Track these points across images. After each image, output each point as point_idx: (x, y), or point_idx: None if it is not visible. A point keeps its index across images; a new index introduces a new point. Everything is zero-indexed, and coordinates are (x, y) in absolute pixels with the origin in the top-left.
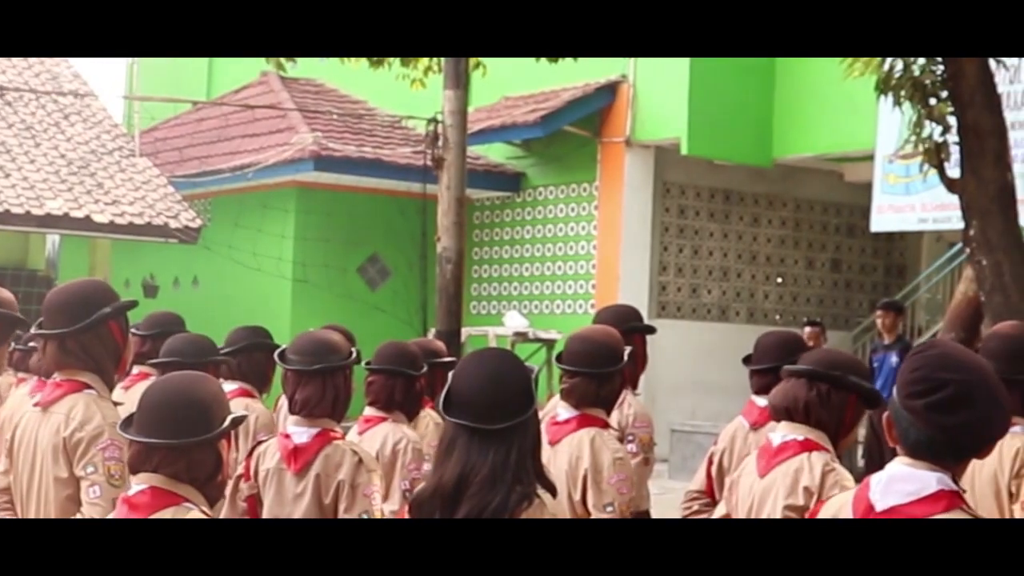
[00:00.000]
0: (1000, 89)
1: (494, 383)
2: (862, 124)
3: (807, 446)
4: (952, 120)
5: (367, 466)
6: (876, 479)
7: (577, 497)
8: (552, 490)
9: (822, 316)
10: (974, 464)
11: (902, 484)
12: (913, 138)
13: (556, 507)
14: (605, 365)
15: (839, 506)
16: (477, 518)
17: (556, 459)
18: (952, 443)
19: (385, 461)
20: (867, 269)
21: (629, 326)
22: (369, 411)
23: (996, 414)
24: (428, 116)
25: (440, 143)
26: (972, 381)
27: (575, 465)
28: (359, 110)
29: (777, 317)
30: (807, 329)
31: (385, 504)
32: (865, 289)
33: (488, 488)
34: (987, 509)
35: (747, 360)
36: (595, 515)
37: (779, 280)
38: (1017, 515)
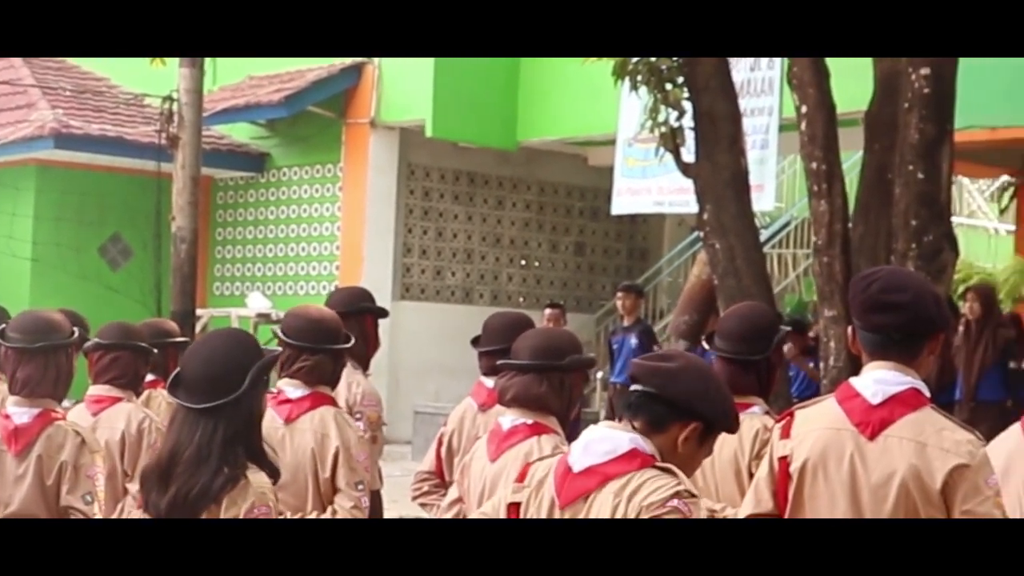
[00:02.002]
0: (741, 76)
1: (206, 363)
2: (605, 108)
3: (537, 430)
4: (688, 105)
5: (90, 447)
6: (576, 442)
7: (326, 475)
8: (273, 471)
9: (566, 299)
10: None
11: (598, 444)
12: (649, 123)
13: (262, 485)
14: (330, 341)
15: (547, 469)
16: (185, 499)
17: (294, 437)
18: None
19: (131, 441)
20: (610, 252)
21: (359, 307)
22: (98, 390)
23: (691, 378)
24: (166, 94)
25: (175, 122)
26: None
27: (323, 443)
28: (101, 87)
29: (521, 300)
30: (548, 311)
31: (131, 484)
32: (608, 272)
33: (194, 468)
34: (728, 491)
35: (475, 342)
36: (346, 493)
37: (523, 263)
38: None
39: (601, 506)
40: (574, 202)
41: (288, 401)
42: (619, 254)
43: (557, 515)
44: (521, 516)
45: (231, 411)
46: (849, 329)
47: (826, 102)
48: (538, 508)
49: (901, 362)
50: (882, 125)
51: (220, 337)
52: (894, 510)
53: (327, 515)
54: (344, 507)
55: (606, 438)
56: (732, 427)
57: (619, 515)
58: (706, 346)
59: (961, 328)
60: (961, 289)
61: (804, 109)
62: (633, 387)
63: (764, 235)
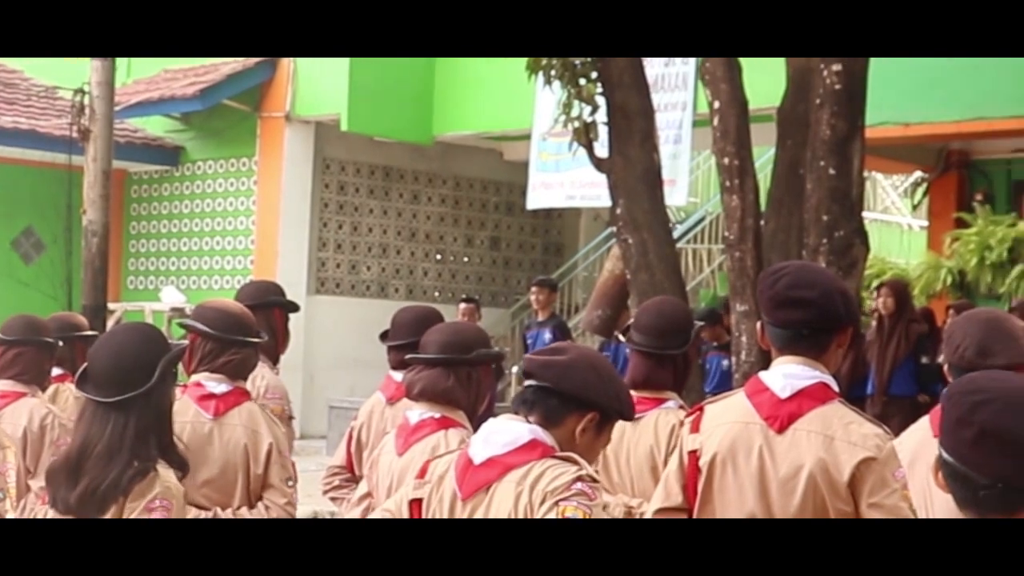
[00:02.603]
0: (655, 72)
1: (115, 356)
2: (520, 103)
3: (444, 423)
4: (601, 100)
5: (0, 443)
6: (477, 434)
7: (259, 471)
8: (182, 465)
9: (481, 293)
10: (631, 439)
11: (498, 436)
12: (563, 117)
13: (168, 480)
14: (252, 335)
15: (447, 463)
16: (94, 493)
17: (223, 432)
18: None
19: (34, 437)
20: (526, 247)
21: (268, 300)
22: (1, 386)
23: (583, 370)
24: (78, 87)
25: (87, 114)
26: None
27: (255, 439)
28: (14, 79)
29: (436, 294)
30: (463, 306)
31: (34, 480)
32: (523, 267)
33: (106, 462)
34: (644, 486)
35: (384, 336)
36: (278, 489)
37: (438, 257)
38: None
39: (503, 496)
40: (489, 196)
41: (212, 396)
42: (534, 249)
43: (459, 508)
44: (423, 512)
45: (141, 404)
46: (758, 325)
47: (738, 98)
48: (440, 503)
49: (809, 357)
50: (794, 121)
51: (127, 331)
52: (802, 503)
53: (258, 510)
54: (277, 503)
55: (506, 430)
56: (627, 414)
57: (522, 503)
58: (621, 339)
59: (874, 323)
60: (875, 284)
61: (716, 105)
62: (527, 382)
63: (679, 230)
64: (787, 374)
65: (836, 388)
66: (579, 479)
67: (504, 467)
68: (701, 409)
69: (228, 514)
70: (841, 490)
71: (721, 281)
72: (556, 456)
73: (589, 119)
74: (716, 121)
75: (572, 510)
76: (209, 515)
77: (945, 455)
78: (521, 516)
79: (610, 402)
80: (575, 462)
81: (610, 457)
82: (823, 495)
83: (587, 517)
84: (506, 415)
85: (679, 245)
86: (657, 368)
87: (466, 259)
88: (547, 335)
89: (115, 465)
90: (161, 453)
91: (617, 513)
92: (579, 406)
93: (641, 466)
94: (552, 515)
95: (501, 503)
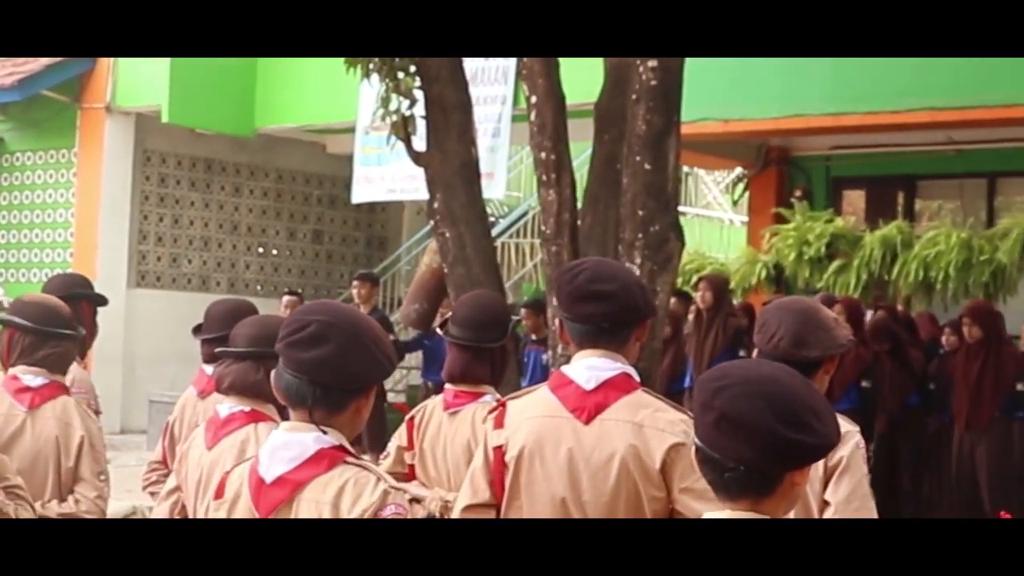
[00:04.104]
0: (474, 64)
1: None
2: (344, 96)
3: (254, 417)
4: (420, 94)
5: None
6: (263, 448)
7: (70, 464)
8: None
9: (304, 287)
10: (448, 433)
11: (283, 451)
12: (381, 111)
13: None
14: (71, 328)
15: (240, 479)
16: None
17: (36, 424)
18: (314, 380)
19: None
20: (349, 240)
21: (74, 293)
22: None
23: (354, 353)
24: None
25: None
26: (331, 322)
27: (67, 432)
28: None
29: (258, 288)
30: (286, 299)
31: None
32: (347, 260)
33: None
34: (461, 480)
35: (197, 329)
36: (90, 483)
37: (260, 250)
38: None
39: (306, 515)
40: (312, 190)
41: (28, 389)
42: (357, 242)
43: None
44: None
45: None
46: (556, 321)
47: (555, 92)
48: None
49: (610, 349)
50: (611, 116)
51: None
52: (615, 491)
53: (69, 504)
54: (88, 496)
55: (290, 443)
56: (391, 369)
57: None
58: (440, 333)
59: (692, 316)
60: (695, 279)
61: (534, 99)
62: (298, 377)
63: (501, 225)
64: (590, 366)
65: (637, 378)
66: (385, 501)
67: (295, 485)
68: (503, 405)
69: (38, 506)
70: (653, 476)
71: (544, 275)
72: (348, 463)
73: (407, 113)
74: (533, 116)
75: None
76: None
77: (696, 440)
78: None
79: (381, 373)
80: (369, 470)
81: (427, 451)
82: (635, 481)
83: None
84: (286, 423)
85: (502, 239)
86: (474, 361)
87: (289, 252)
88: None
89: None
90: None
91: (434, 508)
92: (356, 392)
93: (458, 460)
94: None
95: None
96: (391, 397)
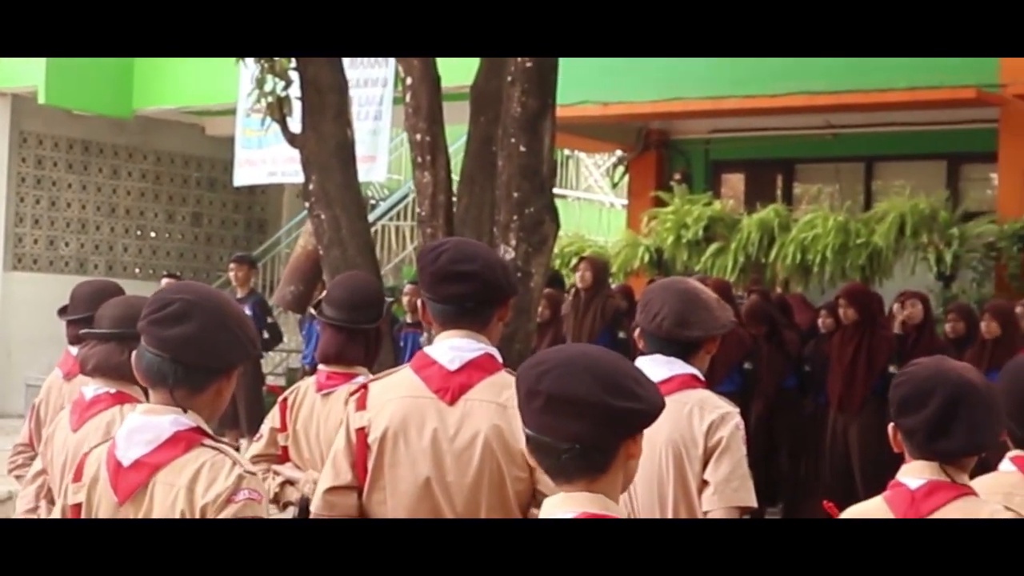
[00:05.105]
0: None
1: None
2: (224, 78)
3: (120, 399)
4: (296, 75)
5: None
6: (120, 430)
7: None
8: None
9: (183, 269)
10: (321, 414)
11: (139, 434)
12: (257, 92)
13: None
14: None
15: (97, 462)
16: None
17: None
18: (176, 359)
19: None
20: (228, 223)
21: None
22: None
23: (217, 332)
24: None
25: None
26: (194, 301)
27: None
28: None
29: (137, 270)
30: (164, 281)
31: None
32: (226, 243)
33: None
34: None
35: (63, 311)
36: None
37: (139, 233)
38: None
39: (161, 499)
40: (191, 172)
41: None
42: (237, 225)
43: (120, 512)
44: (84, 516)
45: None
46: (419, 301)
47: (430, 74)
48: (99, 506)
49: (473, 329)
50: (487, 98)
51: None
52: (478, 471)
53: None
54: None
55: (147, 426)
56: (259, 351)
57: (179, 509)
58: (314, 314)
59: (570, 297)
60: (574, 263)
61: (409, 81)
62: (160, 355)
63: (382, 207)
64: (453, 347)
65: (500, 359)
66: (239, 485)
67: (152, 468)
68: (365, 387)
69: None
70: (517, 456)
71: None
72: (204, 445)
73: (283, 94)
74: (408, 97)
75: None
76: None
77: (526, 429)
78: None
79: (243, 355)
80: (225, 454)
81: (300, 432)
82: (499, 462)
83: None
84: (144, 405)
85: (382, 222)
86: (348, 343)
87: (168, 235)
88: (247, 311)
89: None
90: None
91: (308, 490)
92: (218, 372)
93: (331, 441)
94: None
95: (159, 507)
96: (271, 380)
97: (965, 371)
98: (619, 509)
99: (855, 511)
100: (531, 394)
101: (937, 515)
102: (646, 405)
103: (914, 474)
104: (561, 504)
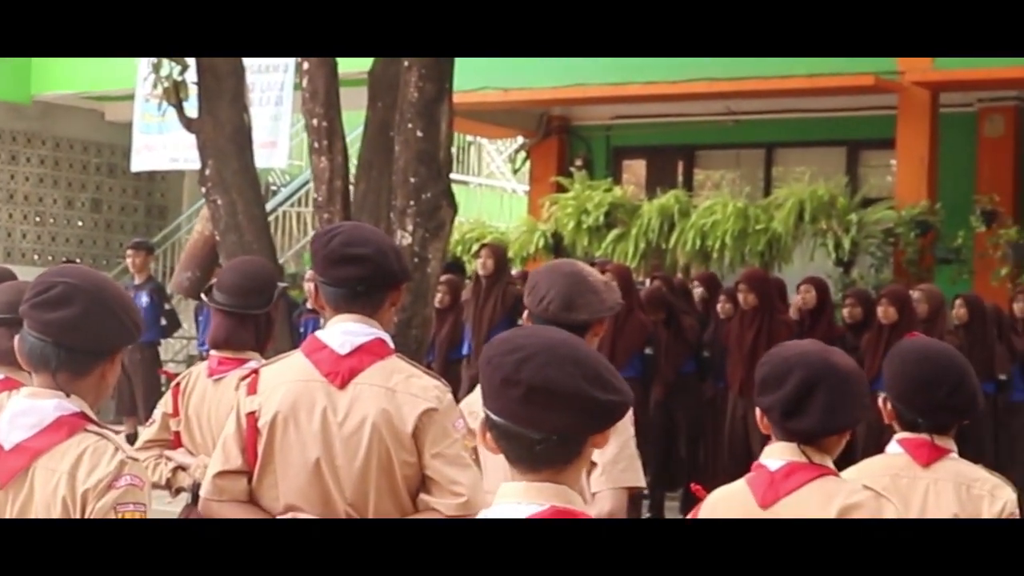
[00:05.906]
0: None
1: None
2: (123, 63)
3: (7, 384)
4: (192, 60)
5: None
6: (3, 415)
7: None
8: None
9: (82, 256)
10: (212, 399)
11: (23, 418)
12: (154, 76)
13: None
14: None
15: None
16: None
17: None
18: (59, 343)
19: None
20: (128, 209)
21: None
22: None
23: (100, 315)
24: None
25: None
26: (76, 284)
27: None
28: None
29: (35, 257)
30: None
31: None
32: (126, 229)
33: None
34: None
35: None
36: None
37: (37, 219)
38: None
39: (42, 484)
40: (91, 158)
41: None
42: (137, 211)
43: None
44: None
45: None
46: (311, 285)
47: (328, 60)
48: None
49: (365, 314)
50: (385, 83)
51: None
52: (367, 455)
53: None
54: None
55: (30, 410)
56: (134, 337)
57: (61, 493)
58: (204, 299)
59: (471, 283)
60: (475, 249)
61: (306, 66)
62: (43, 339)
63: (283, 193)
64: (345, 331)
65: (392, 345)
66: (121, 471)
67: (33, 453)
68: (256, 372)
69: None
70: (405, 441)
71: None
72: (87, 430)
73: (179, 78)
74: (306, 82)
75: (131, 515)
76: None
77: (494, 416)
78: (60, 509)
79: (130, 336)
80: (107, 439)
81: (192, 417)
82: (388, 447)
83: (144, 517)
84: (28, 388)
85: (283, 208)
86: (239, 327)
87: (66, 221)
88: (144, 298)
89: None
90: None
91: (199, 475)
92: (101, 356)
93: (223, 426)
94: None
95: (39, 492)
96: (171, 368)
97: (829, 354)
98: (579, 500)
99: (719, 494)
100: (508, 383)
101: (796, 496)
102: (624, 397)
103: (775, 456)
104: (524, 493)
